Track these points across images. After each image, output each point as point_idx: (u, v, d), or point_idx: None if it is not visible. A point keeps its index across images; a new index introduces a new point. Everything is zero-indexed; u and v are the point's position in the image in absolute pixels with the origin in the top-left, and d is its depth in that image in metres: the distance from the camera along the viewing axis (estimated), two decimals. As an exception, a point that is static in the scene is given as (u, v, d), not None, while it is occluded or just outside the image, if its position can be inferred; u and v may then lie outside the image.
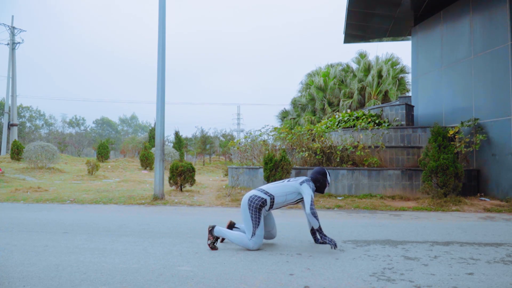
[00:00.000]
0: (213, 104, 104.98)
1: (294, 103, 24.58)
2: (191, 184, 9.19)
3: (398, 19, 10.80)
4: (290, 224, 5.24)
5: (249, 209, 3.59)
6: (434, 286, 2.63)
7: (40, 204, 7.50)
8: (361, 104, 21.19)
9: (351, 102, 21.23)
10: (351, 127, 10.18)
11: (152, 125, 33.35)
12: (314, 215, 3.52)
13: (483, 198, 7.64)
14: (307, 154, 8.66)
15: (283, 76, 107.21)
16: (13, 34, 31.07)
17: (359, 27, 11.73)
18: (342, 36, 12.13)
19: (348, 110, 13.02)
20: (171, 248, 3.70)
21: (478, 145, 8.01)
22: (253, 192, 3.72)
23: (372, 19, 11.05)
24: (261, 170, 8.59)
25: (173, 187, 9.14)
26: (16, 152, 18.66)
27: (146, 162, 18.80)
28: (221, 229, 3.69)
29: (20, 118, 44.35)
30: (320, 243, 3.84)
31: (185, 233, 4.47)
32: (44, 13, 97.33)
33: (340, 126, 10.67)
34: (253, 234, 3.57)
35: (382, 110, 10.58)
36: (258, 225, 3.58)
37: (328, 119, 12.82)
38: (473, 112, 8.47)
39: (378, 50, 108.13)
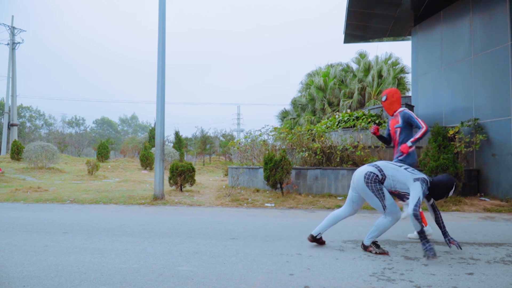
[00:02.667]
0: (213, 104, 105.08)
1: (294, 103, 24.58)
2: (191, 184, 9.19)
3: (398, 19, 10.80)
4: (290, 224, 5.24)
5: (368, 185, 3.45)
6: (434, 286, 2.63)
7: (40, 204, 7.49)
8: (361, 104, 21.19)
9: (351, 102, 21.23)
10: (351, 127, 10.18)
11: (152, 125, 33.35)
12: (417, 217, 3.22)
13: (483, 198, 7.63)
14: (307, 154, 8.65)
15: (283, 76, 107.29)
16: (13, 34, 31.08)
17: (359, 27, 11.72)
18: (342, 36, 12.13)
19: (348, 110, 13.02)
20: (171, 248, 3.70)
21: (478, 145, 8.00)
22: (368, 168, 3.56)
23: (372, 19, 11.05)
24: (261, 170, 8.59)
25: (173, 187, 9.14)
26: (16, 152, 18.67)
27: (146, 162, 18.81)
28: (367, 238, 3.57)
29: (20, 118, 44.37)
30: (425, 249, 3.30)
31: (185, 233, 4.47)
32: (44, 13, 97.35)
33: (340, 126, 10.67)
34: (384, 207, 3.44)
35: (382, 110, 10.57)
36: (384, 196, 3.44)
37: (328, 119, 12.81)
38: (473, 112, 8.46)
39: (378, 50, 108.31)
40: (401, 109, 4.49)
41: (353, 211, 3.77)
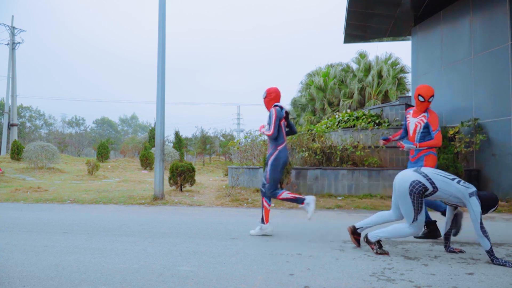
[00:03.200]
0: (213, 104, 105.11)
1: (294, 103, 24.58)
2: (191, 184, 9.19)
3: (398, 19, 10.79)
4: (290, 224, 5.24)
5: (410, 195, 3.27)
6: (434, 286, 2.63)
7: (40, 204, 7.49)
8: (361, 104, 21.18)
9: (351, 102, 21.24)
10: (351, 127, 10.18)
11: (152, 125, 33.34)
12: (486, 235, 3.13)
13: (483, 198, 7.63)
14: (307, 154, 8.65)
15: (283, 76, 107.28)
16: (13, 34, 31.09)
17: (359, 27, 11.72)
18: (342, 36, 12.13)
19: (348, 110, 13.01)
20: (171, 248, 3.70)
21: (478, 145, 8.00)
22: (415, 175, 3.32)
23: (372, 19, 11.04)
24: (261, 170, 8.59)
25: (173, 187, 9.14)
26: (16, 152, 18.66)
27: (146, 162, 18.81)
28: (375, 233, 3.50)
29: (20, 118, 44.34)
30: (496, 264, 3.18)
31: (185, 233, 4.46)
32: (44, 13, 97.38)
33: (340, 126, 10.67)
34: (415, 219, 3.29)
35: (382, 110, 10.57)
36: (421, 210, 3.29)
37: (328, 119, 12.81)
38: (473, 112, 8.46)
39: (378, 50, 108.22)
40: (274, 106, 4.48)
41: (400, 217, 3.58)
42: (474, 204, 3.18)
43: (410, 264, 3.18)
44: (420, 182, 3.28)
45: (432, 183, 3.27)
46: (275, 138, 4.37)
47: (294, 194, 4.35)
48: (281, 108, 4.44)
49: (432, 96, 4.18)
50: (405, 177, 3.38)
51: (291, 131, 4.65)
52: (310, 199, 4.23)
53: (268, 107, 4.54)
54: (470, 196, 3.20)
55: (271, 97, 4.50)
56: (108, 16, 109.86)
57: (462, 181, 3.32)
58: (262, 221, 4.36)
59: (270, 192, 4.34)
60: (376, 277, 2.81)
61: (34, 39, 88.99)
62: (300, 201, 4.27)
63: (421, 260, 3.30)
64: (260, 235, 4.35)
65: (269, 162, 4.37)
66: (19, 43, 31.34)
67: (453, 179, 3.30)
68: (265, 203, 4.38)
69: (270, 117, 4.36)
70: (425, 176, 3.31)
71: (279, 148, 4.35)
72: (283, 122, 4.42)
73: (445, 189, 3.26)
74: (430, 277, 2.81)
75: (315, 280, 2.72)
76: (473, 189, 3.26)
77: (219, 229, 4.78)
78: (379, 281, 2.72)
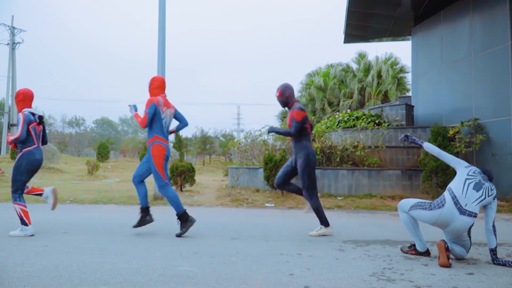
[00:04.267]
0: (213, 104, 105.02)
1: (294, 103, 24.54)
2: (191, 184, 9.19)
3: (398, 19, 10.80)
4: (290, 223, 5.24)
5: (469, 234, 3.31)
6: (434, 286, 2.63)
7: (40, 204, 7.49)
8: (361, 104, 21.19)
9: (351, 102, 21.25)
10: (351, 127, 10.18)
11: (152, 125, 33.24)
12: (495, 233, 3.25)
13: (483, 198, 7.62)
14: (307, 154, 8.64)
15: (283, 76, 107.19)
16: (13, 34, 31.09)
17: (359, 27, 11.72)
18: (342, 36, 12.14)
19: (348, 110, 13.01)
20: (171, 248, 3.70)
21: (478, 145, 8.00)
22: (468, 220, 3.20)
23: (372, 19, 11.05)
24: (261, 170, 8.59)
25: (173, 187, 9.14)
26: (16, 152, 18.66)
27: (146, 162, 18.78)
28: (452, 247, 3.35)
29: (20, 118, 44.24)
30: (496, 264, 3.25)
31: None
32: (44, 13, 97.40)
33: (340, 126, 10.67)
34: (468, 251, 3.39)
35: (382, 110, 10.57)
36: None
37: (328, 119, 12.81)
38: (473, 112, 8.46)
39: (378, 50, 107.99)
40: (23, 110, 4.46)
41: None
42: (494, 205, 3.33)
43: (410, 264, 3.18)
44: (472, 223, 3.25)
45: (475, 215, 3.25)
46: (24, 142, 4.37)
47: (37, 189, 4.61)
48: (33, 114, 4.44)
49: (155, 82, 4.88)
50: (464, 222, 3.23)
51: (43, 141, 4.68)
52: (47, 191, 4.51)
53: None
54: (494, 199, 3.34)
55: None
56: (108, 16, 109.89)
57: (489, 188, 3.30)
58: (24, 224, 4.31)
59: (13, 192, 4.40)
60: (376, 277, 2.81)
61: (34, 39, 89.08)
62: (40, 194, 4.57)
63: (421, 260, 3.30)
64: (21, 236, 4.26)
65: (14, 165, 4.43)
66: (19, 43, 31.33)
67: (483, 196, 3.28)
68: (20, 206, 4.40)
69: (18, 121, 4.37)
70: (474, 215, 3.24)
71: (24, 150, 4.38)
72: (33, 127, 4.40)
73: (479, 207, 3.27)
74: (430, 277, 2.81)
75: (315, 280, 2.72)
76: (495, 192, 3.36)
77: (219, 229, 4.78)
78: (379, 281, 2.72)
